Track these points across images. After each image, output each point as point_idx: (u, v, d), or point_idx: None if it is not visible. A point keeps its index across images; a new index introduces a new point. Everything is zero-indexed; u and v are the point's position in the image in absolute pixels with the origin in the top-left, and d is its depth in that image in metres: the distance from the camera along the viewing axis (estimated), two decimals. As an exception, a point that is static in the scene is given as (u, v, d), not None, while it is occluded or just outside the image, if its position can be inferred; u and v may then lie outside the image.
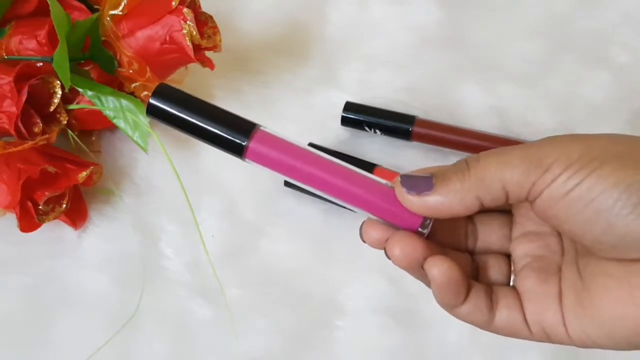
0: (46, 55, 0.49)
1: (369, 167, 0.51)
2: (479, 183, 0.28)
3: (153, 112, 0.29)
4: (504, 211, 0.33)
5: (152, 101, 0.29)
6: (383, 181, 0.30)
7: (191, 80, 0.55)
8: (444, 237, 0.32)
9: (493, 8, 0.61)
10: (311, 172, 0.30)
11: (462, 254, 0.33)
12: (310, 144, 0.53)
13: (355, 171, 0.30)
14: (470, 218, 0.33)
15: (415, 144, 0.53)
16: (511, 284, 0.32)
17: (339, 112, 0.54)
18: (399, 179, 0.29)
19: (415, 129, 0.53)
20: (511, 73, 0.57)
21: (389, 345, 0.47)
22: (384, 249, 0.30)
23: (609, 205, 0.26)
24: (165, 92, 0.29)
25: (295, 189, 0.52)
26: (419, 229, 0.30)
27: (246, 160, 0.30)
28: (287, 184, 0.51)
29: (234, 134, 0.29)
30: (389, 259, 0.30)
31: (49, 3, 0.46)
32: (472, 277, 0.32)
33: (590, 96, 0.56)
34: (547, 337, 0.30)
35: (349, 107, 0.54)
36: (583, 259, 0.30)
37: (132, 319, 0.47)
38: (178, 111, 0.29)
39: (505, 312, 0.30)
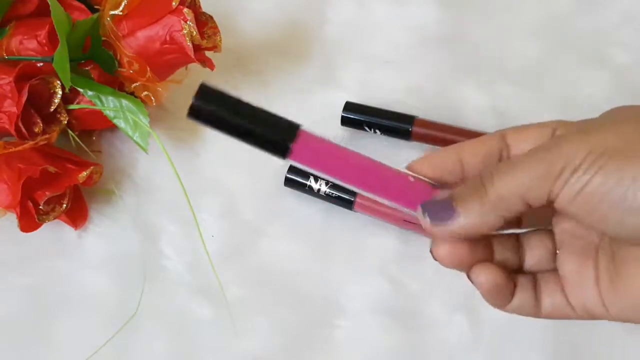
0: (46, 56, 0.49)
1: (369, 167, 0.51)
2: (498, 202, 0.29)
3: (195, 115, 0.28)
4: None
5: (195, 103, 0.28)
6: (423, 178, 0.32)
7: (191, 80, 0.55)
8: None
9: (493, 8, 0.61)
10: (353, 174, 0.30)
11: (508, 239, 0.33)
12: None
13: (393, 170, 0.31)
14: None
15: (415, 144, 0.53)
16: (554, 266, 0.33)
17: (339, 112, 0.54)
18: (420, 209, 0.30)
19: (415, 129, 0.53)
20: (511, 73, 0.57)
21: (389, 345, 0.47)
22: (430, 251, 0.32)
23: (618, 201, 0.27)
24: (207, 93, 0.28)
25: (295, 189, 0.52)
26: None
27: (290, 161, 0.30)
28: (287, 184, 0.51)
29: (278, 136, 0.29)
30: (435, 259, 0.31)
31: (50, 3, 0.46)
32: (518, 260, 0.33)
33: (590, 96, 0.56)
34: (591, 316, 0.31)
35: (349, 107, 0.54)
36: (615, 245, 0.31)
37: (132, 319, 0.47)
38: (222, 114, 0.28)
39: (549, 300, 0.32)
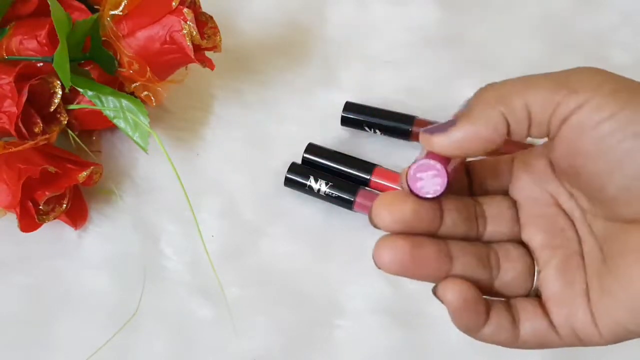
0: (46, 56, 0.49)
1: (369, 167, 0.51)
2: (501, 100, 0.27)
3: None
4: (506, 195, 0.32)
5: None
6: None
7: (191, 80, 0.55)
8: (456, 225, 0.30)
9: (493, 8, 0.61)
10: None
11: (476, 246, 0.30)
12: (310, 144, 0.53)
13: None
14: (477, 202, 0.31)
15: (415, 144, 0.53)
16: (534, 284, 0.30)
17: (339, 112, 0.54)
18: (422, 130, 0.28)
19: (415, 129, 0.53)
20: (511, 73, 0.57)
21: (389, 345, 0.47)
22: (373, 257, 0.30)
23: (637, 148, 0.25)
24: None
25: (295, 189, 0.52)
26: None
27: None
28: (287, 184, 0.51)
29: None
30: (379, 267, 0.29)
31: (49, 3, 0.46)
32: (491, 270, 0.30)
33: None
34: (578, 340, 0.29)
35: (349, 107, 0.54)
36: (607, 243, 0.28)
37: (132, 319, 0.47)
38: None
39: (529, 324, 0.29)
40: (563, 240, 0.30)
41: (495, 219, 0.31)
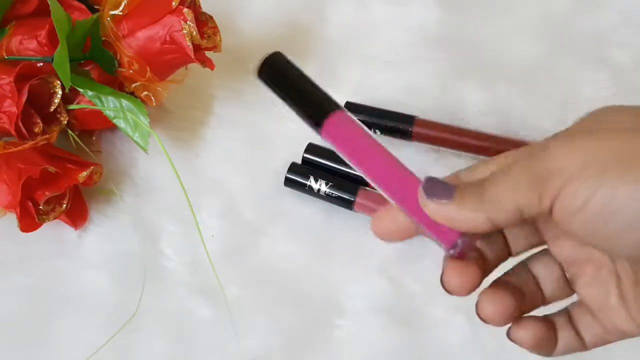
0: (46, 56, 0.49)
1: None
2: (493, 203, 0.28)
3: (262, 73, 0.33)
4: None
5: (265, 64, 0.33)
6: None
7: (191, 80, 0.55)
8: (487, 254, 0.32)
9: (493, 8, 0.61)
10: (371, 165, 0.31)
11: (521, 270, 0.32)
12: (310, 144, 0.53)
13: (411, 175, 0.30)
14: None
15: (415, 144, 0.53)
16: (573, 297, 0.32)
17: (339, 112, 0.54)
18: (423, 181, 0.29)
19: (415, 129, 0.53)
20: (511, 73, 0.57)
21: (389, 345, 0.47)
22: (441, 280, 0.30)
23: (630, 220, 0.25)
24: (277, 60, 0.33)
25: (295, 189, 0.52)
26: (450, 250, 0.30)
27: (322, 136, 0.31)
28: (287, 184, 0.51)
29: (315, 110, 0.31)
30: (445, 288, 0.30)
31: (49, 3, 0.46)
32: (541, 294, 0.32)
33: (590, 96, 0.56)
34: (629, 336, 0.31)
35: (349, 107, 0.54)
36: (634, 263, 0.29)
37: (132, 319, 0.47)
38: (284, 80, 0.32)
39: (592, 332, 0.31)
40: (588, 253, 0.31)
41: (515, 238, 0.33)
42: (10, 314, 0.48)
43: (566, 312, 0.32)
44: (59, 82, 0.48)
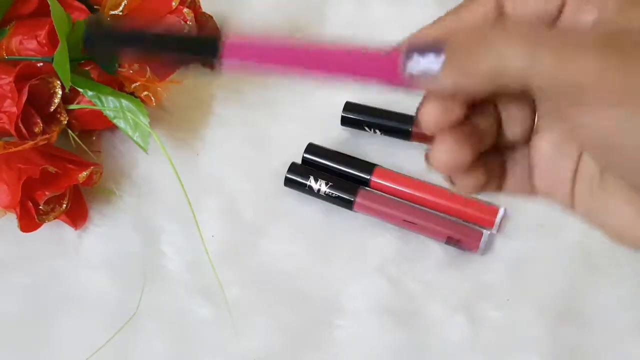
0: (46, 56, 0.49)
1: (369, 167, 0.51)
2: (499, 70, 0.24)
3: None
4: None
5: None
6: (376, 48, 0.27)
7: (191, 80, 0.55)
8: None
9: (493, 8, 0.61)
10: (297, 59, 0.28)
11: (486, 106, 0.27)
12: (310, 144, 0.53)
13: (341, 46, 0.27)
14: None
15: (415, 144, 0.53)
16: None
17: (339, 112, 0.54)
18: (404, 51, 0.26)
19: (415, 129, 0.53)
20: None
21: (389, 345, 0.47)
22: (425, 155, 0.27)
23: None
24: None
25: (295, 189, 0.52)
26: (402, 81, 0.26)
27: (223, 68, 0.27)
28: (287, 184, 0.51)
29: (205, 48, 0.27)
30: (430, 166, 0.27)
31: (49, 3, 0.46)
32: (494, 133, 0.28)
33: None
34: (552, 201, 0.28)
35: (349, 107, 0.54)
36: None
37: (132, 319, 0.47)
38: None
39: (512, 181, 0.28)
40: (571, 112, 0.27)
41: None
42: (10, 314, 0.48)
43: (500, 155, 0.28)
44: (59, 82, 0.48)
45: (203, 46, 0.27)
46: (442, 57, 0.25)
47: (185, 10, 0.47)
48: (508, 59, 0.23)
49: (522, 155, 0.29)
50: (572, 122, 0.24)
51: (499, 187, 0.28)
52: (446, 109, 0.26)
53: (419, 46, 0.26)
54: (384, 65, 0.26)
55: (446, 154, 0.26)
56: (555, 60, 0.23)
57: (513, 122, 0.28)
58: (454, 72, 0.24)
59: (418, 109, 0.26)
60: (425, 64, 0.25)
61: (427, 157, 0.27)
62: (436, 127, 0.26)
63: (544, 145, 0.28)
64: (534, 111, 0.28)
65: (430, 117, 0.26)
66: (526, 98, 0.27)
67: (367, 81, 0.26)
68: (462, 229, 0.49)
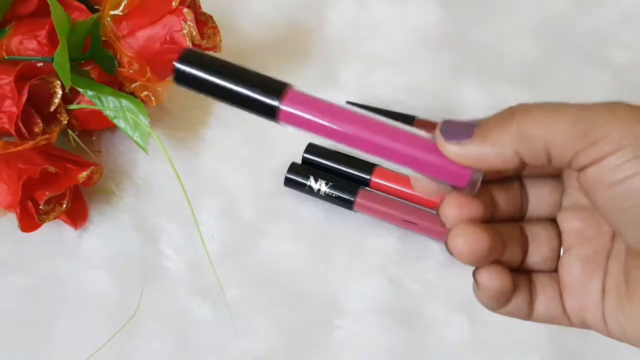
0: (46, 56, 0.49)
1: (369, 167, 0.51)
2: (520, 138, 0.26)
3: (180, 78, 0.28)
4: (555, 176, 0.31)
5: (178, 66, 0.28)
6: (425, 134, 0.28)
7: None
8: (500, 204, 0.30)
9: (493, 8, 0.61)
10: (348, 131, 0.28)
11: (513, 227, 0.30)
12: (310, 144, 0.53)
13: (395, 126, 0.28)
14: (521, 182, 0.31)
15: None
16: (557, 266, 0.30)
17: (339, 112, 0.54)
18: (440, 124, 0.27)
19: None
20: (511, 73, 0.57)
21: (389, 345, 0.47)
22: (445, 242, 0.28)
23: None
24: (191, 57, 0.28)
25: (295, 189, 0.52)
26: (467, 188, 0.28)
27: (280, 122, 0.29)
28: (287, 184, 0.51)
29: (265, 95, 0.29)
30: (451, 253, 0.28)
31: (50, 3, 0.46)
32: (522, 255, 0.30)
33: (590, 96, 0.55)
34: (587, 327, 0.29)
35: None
36: (631, 260, 0.28)
37: (132, 319, 0.47)
38: (206, 75, 0.28)
39: (543, 306, 0.30)
40: (597, 232, 0.29)
41: (537, 199, 0.31)
42: (10, 314, 0.48)
43: (528, 276, 0.30)
44: (59, 82, 0.48)
45: (268, 85, 0.29)
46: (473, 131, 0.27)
47: (186, 10, 0.47)
48: (527, 128, 0.26)
49: (551, 278, 0.30)
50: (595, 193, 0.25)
51: (530, 309, 0.30)
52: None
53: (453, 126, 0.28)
54: (456, 172, 0.28)
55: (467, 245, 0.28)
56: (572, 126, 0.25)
57: (539, 245, 0.30)
58: (480, 140, 0.27)
59: (437, 210, 0.29)
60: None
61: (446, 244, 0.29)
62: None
63: (573, 263, 0.29)
64: (559, 233, 0.30)
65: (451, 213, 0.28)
66: (552, 223, 0.30)
67: (432, 179, 0.28)
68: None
